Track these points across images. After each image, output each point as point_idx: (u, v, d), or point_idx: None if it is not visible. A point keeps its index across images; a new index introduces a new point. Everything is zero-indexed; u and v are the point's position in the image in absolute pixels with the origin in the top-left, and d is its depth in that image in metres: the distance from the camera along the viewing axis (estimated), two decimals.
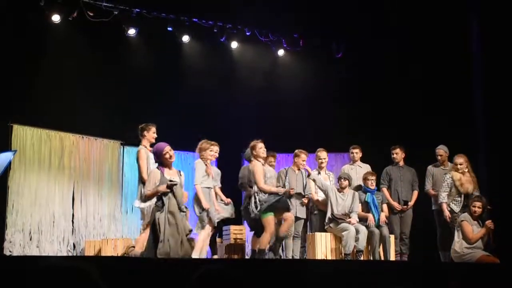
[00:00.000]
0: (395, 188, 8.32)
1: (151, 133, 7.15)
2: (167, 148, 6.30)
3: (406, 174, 8.36)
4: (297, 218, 7.90)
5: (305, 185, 8.07)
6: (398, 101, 9.74)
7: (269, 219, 7.17)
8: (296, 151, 8.10)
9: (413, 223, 8.35)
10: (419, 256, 8.29)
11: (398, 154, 8.40)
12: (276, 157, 8.33)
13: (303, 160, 8.01)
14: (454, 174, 7.79)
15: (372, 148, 8.80)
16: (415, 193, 8.33)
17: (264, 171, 7.25)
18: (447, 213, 7.72)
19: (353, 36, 10.15)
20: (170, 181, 6.06)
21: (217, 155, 7.60)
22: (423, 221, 8.48)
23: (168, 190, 6.05)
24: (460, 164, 7.75)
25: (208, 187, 7.33)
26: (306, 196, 8.06)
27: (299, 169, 8.05)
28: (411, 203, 8.29)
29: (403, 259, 8.13)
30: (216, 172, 7.65)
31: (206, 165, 7.37)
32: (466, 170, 7.75)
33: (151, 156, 6.86)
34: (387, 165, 8.57)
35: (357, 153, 8.51)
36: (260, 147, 7.32)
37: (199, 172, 7.29)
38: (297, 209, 7.91)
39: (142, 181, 6.87)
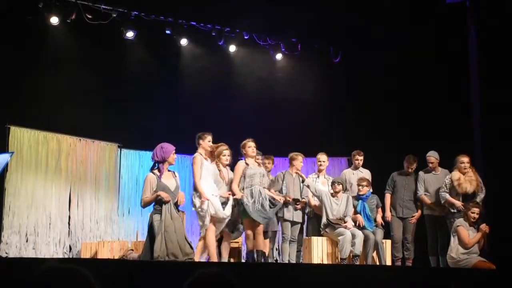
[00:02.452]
0: (399, 196, 8.30)
1: (206, 142, 7.17)
2: (174, 151, 6.44)
3: (411, 182, 8.32)
4: (293, 223, 7.91)
5: (302, 188, 8.07)
6: (397, 105, 9.75)
7: (245, 221, 7.20)
8: (292, 154, 8.11)
9: (417, 229, 8.33)
10: (426, 262, 8.22)
11: (411, 169, 8.35)
12: (273, 160, 8.32)
13: (300, 162, 8.02)
14: (453, 174, 7.80)
15: (369, 153, 8.78)
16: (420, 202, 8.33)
17: (244, 171, 7.26)
18: (458, 203, 7.67)
19: (351, 41, 10.17)
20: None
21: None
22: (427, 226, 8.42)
23: (168, 200, 6.09)
24: (467, 162, 7.76)
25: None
26: (302, 199, 8.05)
27: (296, 173, 8.05)
28: (416, 215, 8.27)
29: (407, 264, 8.10)
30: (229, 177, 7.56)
31: (219, 170, 7.36)
32: (469, 169, 7.76)
33: (206, 163, 7.02)
34: (387, 170, 8.55)
35: (362, 159, 8.47)
36: (249, 146, 7.40)
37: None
38: (293, 213, 7.91)
39: (194, 187, 6.97)
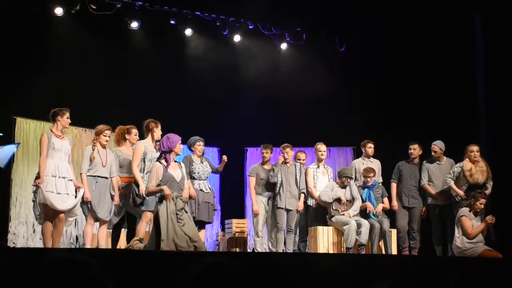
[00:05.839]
0: (405, 186, 8.28)
1: (65, 118, 6.65)
2: (180, 141, 6.38)
3: (417, 171, 8.28)
4: (287, 210, 7.87)
5: (299, 179, 8.01)
6: (402, 95, 9.71)
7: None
8: (282, 146, 8.07)
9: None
10: (433, 251, 8.20)
11: (416, 150, 8.29)
12: (272, 149, 8.27)
13: (287, 153, 7.99)
14: (465, 164, 7.76)
15: (376, 143, 8.72)
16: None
17: (144, 153, 6.90)
18: (460, 192, 7.67)
19: (357, 29, 10.11)
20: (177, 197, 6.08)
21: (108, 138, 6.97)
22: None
23: (171, 198, 6.02)
24: (477, 151, 7.73)
25: (96, 176, 6.81)
26: (302, 191, 8.01)
27: (289, 163, 8.03)
28: (424, 208, 8.24)
29: (413, 253, 8.10)
30: (110, 161, 6.97)
31: (93, 150, 6.86)
32: (480, 159, 7.74)
33: (56, 140, 6.53)
34: (394, 160, 8.52)
35: (373, 148, 8.45)
36: (159, 127, 7.11)
37: (85, 159, 6.85)
38: (287, 202, 7.86)
39: (39, 166, 6.47)
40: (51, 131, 6.65)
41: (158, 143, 6.89)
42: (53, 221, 6.52)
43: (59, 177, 6.50)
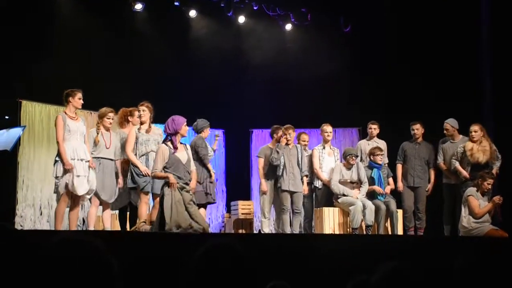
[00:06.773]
0: (410, 165, 8.25)
1: (76, 99, 6.59)
2: (185, 122, 6.35)
3: (422, 151, 8.23)
4: (292, 192, 7.86)
5: (301, 160, 7.97)
6: (407, 75, 9.64)
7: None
8: (285, 127, 7.98)
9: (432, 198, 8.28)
10: (438, 231, 8.19)
11: (418, 130, 8.25)
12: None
13: (290, 134, 7.93)
14: (467, 144, 7.73)
15: (381, 123, 8.70)
16: (431, 171, 8.26)
17: (136, 136, 6.90)
18: (464, 173, 7.66)
19: (362, 10, 10.03)
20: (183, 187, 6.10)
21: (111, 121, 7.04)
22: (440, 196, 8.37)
23: (176, 186, 6.03)
24: (475, 132, 7.67)
25: (99, 157, 6.88)
26: (304, 174, 7.95)
27: (291, 144, 7.99)
28: (429, 186, 8.23)
29: (419, 234, 8.10)
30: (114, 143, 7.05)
31: (97, 133, 6.92)
32: (482, 139, 7.68)
33: (70, 122, 6.49)
34: (399, 140, 8.49)
35: (375, 129, 8.39)
36: (144, 110, 7.01)
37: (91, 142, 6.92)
38: (290, 184, 7.80)
39: (58, 150, 6.45)
40: (65, 113, 6.61)
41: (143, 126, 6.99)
42: (68, 203, 6.58)
43: (78, 160, 6.50)
